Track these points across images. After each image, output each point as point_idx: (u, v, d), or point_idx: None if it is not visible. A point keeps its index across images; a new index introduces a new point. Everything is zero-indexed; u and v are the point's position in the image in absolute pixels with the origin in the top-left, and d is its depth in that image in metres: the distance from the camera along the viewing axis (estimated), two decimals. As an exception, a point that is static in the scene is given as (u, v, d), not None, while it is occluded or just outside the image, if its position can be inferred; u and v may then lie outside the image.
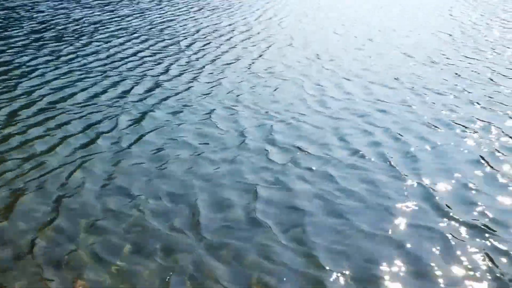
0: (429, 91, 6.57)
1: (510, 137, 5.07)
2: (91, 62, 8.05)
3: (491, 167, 4.46)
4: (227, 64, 7.99)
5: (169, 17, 12.52)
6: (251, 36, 10.23)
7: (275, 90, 6.63)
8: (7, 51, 8.68)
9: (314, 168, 4.42)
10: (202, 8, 13.83)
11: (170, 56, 8.56)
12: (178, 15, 12.79)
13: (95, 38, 10.07)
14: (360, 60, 8.16)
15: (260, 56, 8.52)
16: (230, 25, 11.49)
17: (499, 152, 4.73)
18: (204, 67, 7.81)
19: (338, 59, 8.27)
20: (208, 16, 12.64)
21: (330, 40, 9.77)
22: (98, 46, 9.34)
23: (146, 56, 8.53)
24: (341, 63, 8.00)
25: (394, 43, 9.47)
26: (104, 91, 6.54)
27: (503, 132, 5.21)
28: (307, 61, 8.14)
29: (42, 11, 12.93)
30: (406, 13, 13.21)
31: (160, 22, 11.81)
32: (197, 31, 10.78)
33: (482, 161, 4.56)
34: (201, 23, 11.68)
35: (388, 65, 7.83)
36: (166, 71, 7.61)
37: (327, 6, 14.44)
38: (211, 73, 7.45)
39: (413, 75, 7.30)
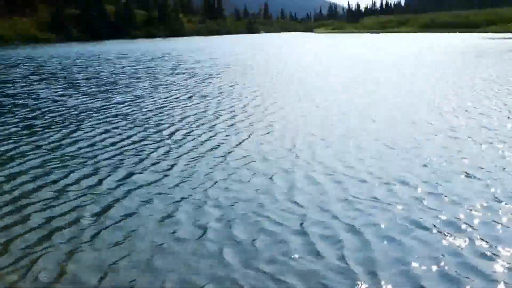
0: (401, 184, 6.50)
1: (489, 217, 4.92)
2: (73, 150, 8.25)
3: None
4: (204, 153, 8.08)
5: (160, 104, 12.92)
6: (233, 124, 10.44)
7: (245, 182, 6.61)
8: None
9: (269, 273, 4.27)
10: (192, 96, 14.31)
11: (151, 144, 8.71)
12: (168, 103, 13.20)
13: (84, 125, 10.36)
14: (339, 151, 8.19)
15: (238, 145, 8.62)
16: (216, 112, 11.78)
17: (480, 240, 4.56)
18: (181, 156, 7.92)
19: (316, 149, 8.30)
20: (197, 103, 13.03)
21: (310, 129, 9.88)
22: (85, 133, 9.58)
23: (129, 144, 8.70)
24: (319, 153, 8.03)
25: (375, 133, 9.57)
26: (81, 180, 6.70)
27: (481, 210, 5.06)
28: (283, 150, 8.20)
29: (38, 98, 13.43)
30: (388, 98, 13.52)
31: (150, 110, 12.18)
32: (184, 119, 11.06)
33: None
34: (189, 111, 12.01)
35: (368, 156, 7.84)
36: (144, 159, 7.74)
37: (314, 93, 14.84)
38: (187, 163, 7.52)
39: (385, 166, 7.28)
